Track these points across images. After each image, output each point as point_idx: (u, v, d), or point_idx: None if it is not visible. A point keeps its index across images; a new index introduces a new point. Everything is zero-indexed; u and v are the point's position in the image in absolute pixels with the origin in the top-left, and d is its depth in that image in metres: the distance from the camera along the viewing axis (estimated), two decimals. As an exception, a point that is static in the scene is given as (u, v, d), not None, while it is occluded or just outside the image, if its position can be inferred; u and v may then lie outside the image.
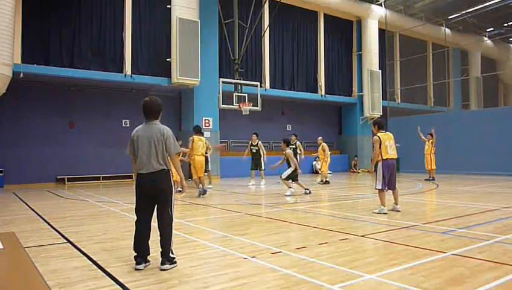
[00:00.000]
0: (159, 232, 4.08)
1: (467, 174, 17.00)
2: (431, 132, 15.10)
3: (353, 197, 10.47)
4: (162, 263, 3.96)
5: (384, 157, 7.32)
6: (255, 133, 14.36)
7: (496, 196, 10.07)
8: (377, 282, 3.50)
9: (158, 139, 4.07)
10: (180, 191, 9.92)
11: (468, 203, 8.60)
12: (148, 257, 4.08)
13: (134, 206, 4.18)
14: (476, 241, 4.97)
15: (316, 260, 4.18)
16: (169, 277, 3.72)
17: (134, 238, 4.08)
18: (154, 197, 4.09)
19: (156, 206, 4.13)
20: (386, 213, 7.17)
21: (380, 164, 7.37)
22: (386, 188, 7.34)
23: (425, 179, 15.07)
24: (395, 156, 7.49)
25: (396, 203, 7.58)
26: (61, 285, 3.51)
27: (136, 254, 4.02)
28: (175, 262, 4.04)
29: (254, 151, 14.12)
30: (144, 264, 3.98)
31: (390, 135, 7.61)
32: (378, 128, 7.55)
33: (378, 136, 7.37)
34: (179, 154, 9.26)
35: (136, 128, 4.23)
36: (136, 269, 3.93)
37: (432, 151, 14.95)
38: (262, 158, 14.02)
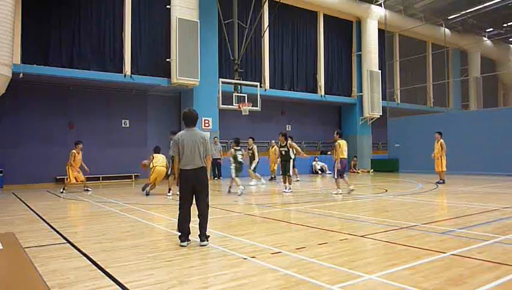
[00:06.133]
0: (199, 217, 5.01)
1: (466, 175, 16.99)
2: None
3: (353, 197, 10.46)
4: (202, 241, 4.94)
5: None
6: (250, 138, 14.15)
7: (496, 196, 10.07)
8: (376, 282, 3.51)
9: (200, 142, 5.10)
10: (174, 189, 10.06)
11: (468, 204, 8.60)
12: (190, 237, 5.00)
13: (179, 196, 5.17)
14: (476, 242, 4.98)
15: (315, 260, 4.18)
16: (169, 277, 3.72)
17: (179, 221, 5.04)
18: (195, 188, 5.03)
19: (195, 196, 5.06)
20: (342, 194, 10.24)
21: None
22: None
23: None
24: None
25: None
26: (61, 285, 3.51)
27: (180, 233, 4.98)
28: (208, 238, 5.03)
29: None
30: (187, 242, 4.94)
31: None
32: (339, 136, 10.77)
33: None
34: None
35: (180, 133, 5.20)
36: (181, 246, 4.87)
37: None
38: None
